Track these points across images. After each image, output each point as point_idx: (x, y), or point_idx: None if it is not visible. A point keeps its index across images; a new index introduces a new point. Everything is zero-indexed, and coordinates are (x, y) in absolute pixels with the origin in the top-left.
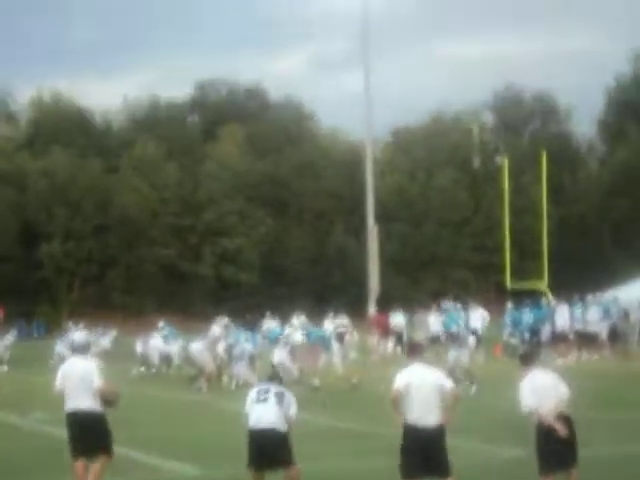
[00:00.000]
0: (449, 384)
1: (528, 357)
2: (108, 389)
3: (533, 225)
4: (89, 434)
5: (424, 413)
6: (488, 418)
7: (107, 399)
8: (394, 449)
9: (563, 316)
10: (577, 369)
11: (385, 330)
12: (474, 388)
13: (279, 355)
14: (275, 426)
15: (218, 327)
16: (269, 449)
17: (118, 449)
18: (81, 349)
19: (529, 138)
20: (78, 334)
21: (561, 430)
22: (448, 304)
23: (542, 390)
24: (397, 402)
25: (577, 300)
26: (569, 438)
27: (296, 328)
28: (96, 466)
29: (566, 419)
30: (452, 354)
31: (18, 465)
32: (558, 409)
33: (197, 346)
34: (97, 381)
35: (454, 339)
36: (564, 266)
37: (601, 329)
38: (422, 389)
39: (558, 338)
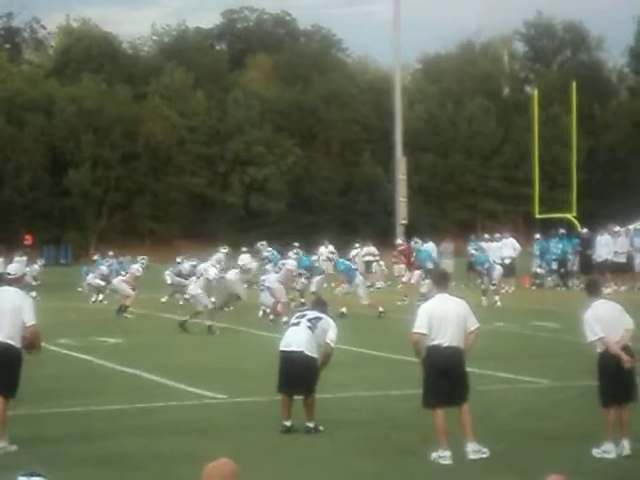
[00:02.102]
0: (473, 322)
1: (594, 287)
2: (37, 330)
3: (563, 156)
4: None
5: (446, 339)
6: (513, 347)
7: (32, 340)
8: None
9: (607, 245)
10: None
11: (410, 260)
12: None
13: (194, 286)
14: (303, 349)
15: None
16: (295, 372)
17: (147, 375)
18: (14, 281)
19: (559, 67)
20: (13, 265)
21: (627, 361)
22: (418, 241)
23: (607, 320)
24: (418, 345)
25: (603, 231)
26: (629, 371)
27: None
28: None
29: (628, 351)
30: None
31: (49, 389)
32: (623, 340)
33: (230, 276)
34: (30, 319)
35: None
36: (593, 197)
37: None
38: (446, 320)
39: (603, 267)
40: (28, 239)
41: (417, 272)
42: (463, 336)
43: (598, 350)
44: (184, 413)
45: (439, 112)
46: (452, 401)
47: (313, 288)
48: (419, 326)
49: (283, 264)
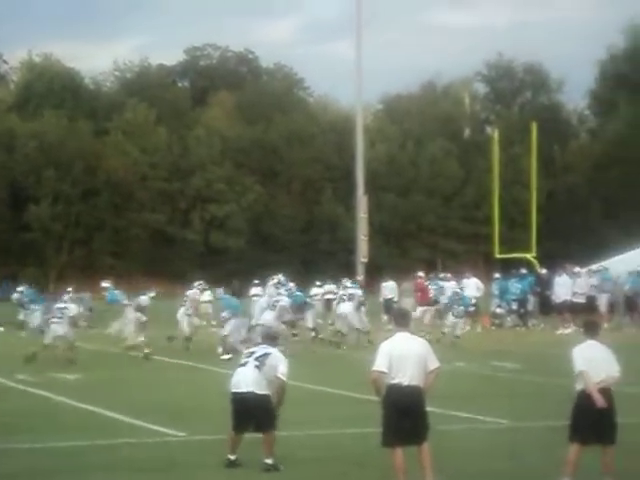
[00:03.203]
0: (434, 362)
1: (592, 328)
2: None
3: (523, 196)
4: None
5: (406, 378)
6: (473, 387)
7: None
8: None
9: (565, 286)
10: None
11: (426, 296)
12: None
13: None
14: (252, 389)
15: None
16: (247, 412)
17: (107, 412)
18: None
19: (520, 109)
20: None
21: (599, 401)
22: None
23: (591, 359)
24: (378, 383)
25: (562, 271)
26: (607, 413)
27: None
28: None
29: (608, 394)
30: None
31: (6, 424)
32: (604, 383)
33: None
34: None
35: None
36: (553, 238)
37: (600, 300)
38: (406, 359)
39: (562, 308)
40: None
41: (421, 308)
42: (423, 375)
43: (577, 387)
44: (144, 450)
45: (400, 152)
46: (412, 440)
47: (310, 324)
48: (379, 364)
49: (276, 301)
